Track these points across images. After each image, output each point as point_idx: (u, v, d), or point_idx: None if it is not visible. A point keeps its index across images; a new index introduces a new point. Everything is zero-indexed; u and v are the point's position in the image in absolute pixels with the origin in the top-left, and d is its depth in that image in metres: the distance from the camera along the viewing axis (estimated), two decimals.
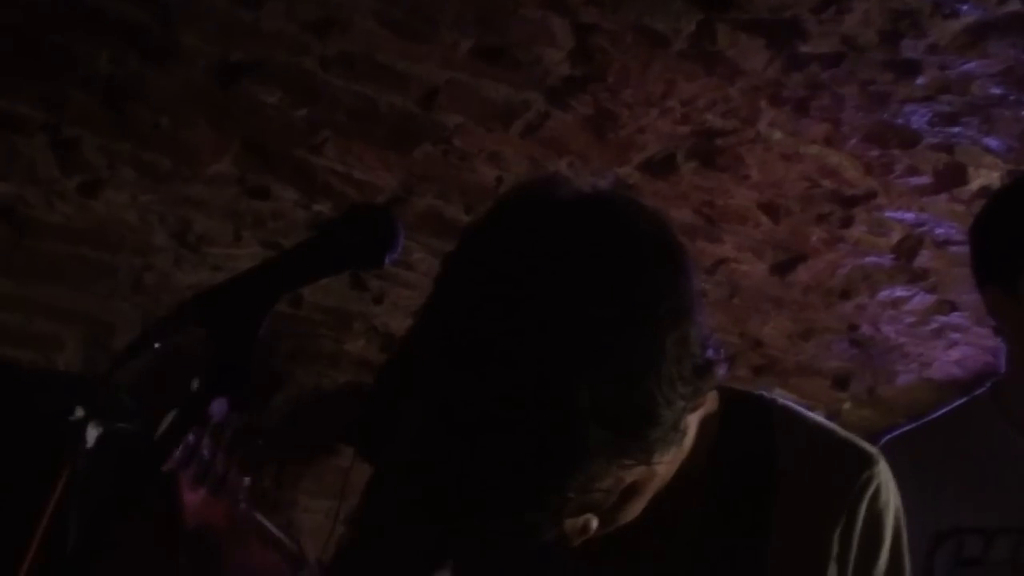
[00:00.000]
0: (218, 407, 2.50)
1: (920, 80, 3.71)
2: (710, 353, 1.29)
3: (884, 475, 1.53)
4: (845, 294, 4.98)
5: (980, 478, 2.14)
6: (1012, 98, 3.81)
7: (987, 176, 4.23)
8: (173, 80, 3.66)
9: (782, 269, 4.79)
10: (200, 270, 4.40)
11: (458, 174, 4.08)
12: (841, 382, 5.56)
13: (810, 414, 1.58)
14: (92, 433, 3.69)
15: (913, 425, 2.26)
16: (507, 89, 3.73)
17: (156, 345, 2.53)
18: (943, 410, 2.28)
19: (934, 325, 5.24)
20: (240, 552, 2.33)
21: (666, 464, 1.32)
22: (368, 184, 4.07)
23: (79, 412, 4.13)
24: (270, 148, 3.97)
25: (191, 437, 2.42)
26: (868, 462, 1.53)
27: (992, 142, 4.05)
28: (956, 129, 3.98)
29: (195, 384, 1.50)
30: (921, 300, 5.06)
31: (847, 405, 5.58)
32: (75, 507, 2.50)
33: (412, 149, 3.97)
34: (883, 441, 2.21)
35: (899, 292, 4.99)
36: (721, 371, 1.31)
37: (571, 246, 1.23)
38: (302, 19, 3.43)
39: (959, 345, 5.40)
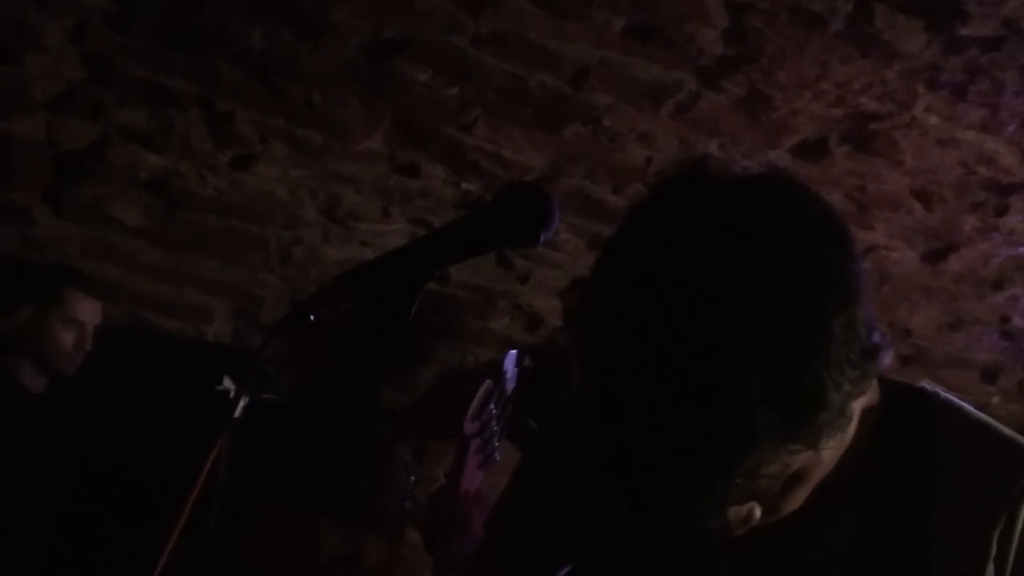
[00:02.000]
0: (514, 378, 2.52)
1: None
2: (876, 338, 1.26)
3: None
4: (998, 285, 4.88)
5: None
6: None
7: None
8: (326, 57, 3.69)
9: (934, 257, 4.70)
10: (348, 245, 4.44)
11: (607, 154, 4.07)
12: (990, 375, 5.44)
13: (974, 410, 1.54)
14: (240, 403, 3.75)
15: None
16: (659, 69, 3.70)
17: (310, 319, 2.57)
18: None
19: None
20: (478, 523, 2.37)
21: (831, 451, 1.30)
22: (516, 163, 4.08)
23: (227, 382, 4.21)
24: (420, 126, 3.99)
25: (491, 407, 2.45)
26: None
27: None
28: None
29: (343, 361, 1.50)
30: None
31: (996, 399, 5.46)
32: (221, 476, 2.53)
33: (561, 129, 3.96)
34: None
35: None
36: (887, 356, 1.28)
37: (739, 228, 1.21)
38: None
39: None
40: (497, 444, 2.47)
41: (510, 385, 2.48)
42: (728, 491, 1.21)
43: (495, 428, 2.45)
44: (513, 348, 4.97)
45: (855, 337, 1.21)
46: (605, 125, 3.94)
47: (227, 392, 4.10)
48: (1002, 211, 4.42)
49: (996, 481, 1.46)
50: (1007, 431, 1.52)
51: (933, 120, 3.94)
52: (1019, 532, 1.45)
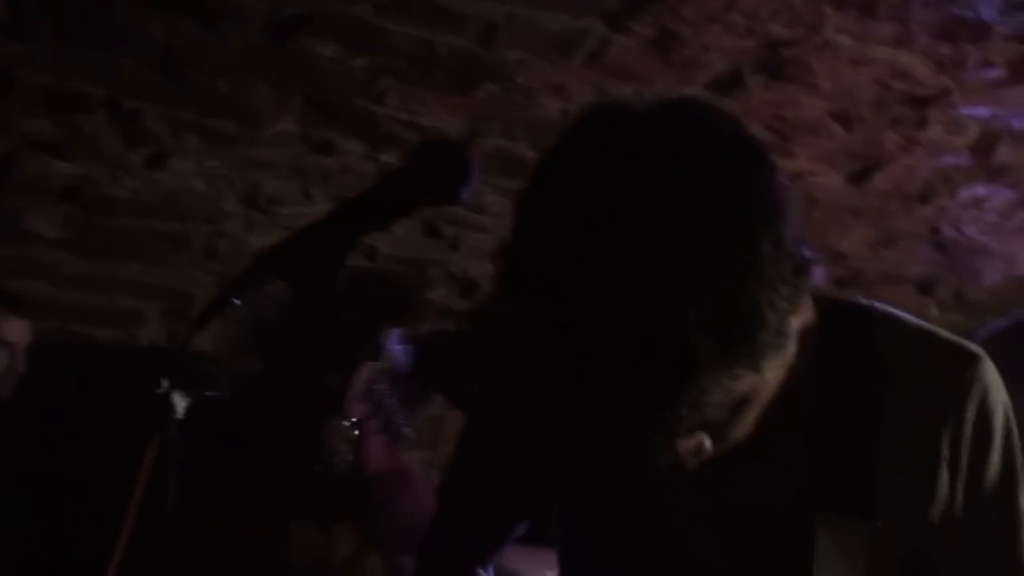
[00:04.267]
0: (401, 354, 2.50)
1: None
2: (806, 253, 1.24)
3: (990, 373, 1.48)
4: (924, 198, 4.91)
5: None
6: None
7: None
8: (228, 42, 3.64)
9: (859, 178, 4.72)
10: (273, 232, 4.40)
11: (523, 111, 4.05)
12: (926, 287, 5.48)
13: (910, 317, 1.54)
14: (180, 404, 3.71)
15: (1013, 317, 2.20)
16: (565, 18, 3.68)
17: (235, 304, 2.53)
18: None
19: (1017, 221, 5.15)
20: (407, 500, 2.34)
21: (774, 372, 1.28)
22: (433, 129, 4.04)
23: (164, 384, 4.16)
24: (331, 102, 3.95)
25: (379, 386, 2.42)
26: (972, 361, 1.48)
27: None
28: None
29: (276, 344, 1.47)
30: (1002, 197, 4.96)
31: (934, 311, 5.50)
32: (172, 474, 2.50)
33: (474, 89, 3.93)
34: (984, 334, 2.16)
35: (979, 191, 4.91)
36: (818, 270, 1.27)
37: (655, 156, 1.19)
38: None
39: None
40: (404, 419, 2.45)
41: (400, 360, 2.47)
42: (675, 424, 1.19)
43: (393, 404, 2.43)
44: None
45: (785, 254, 1.20)
46: (518, 81, 3.91)
47: (166, 394, 4.05)
48: (921, 124, 4.44)
49: (940, 384, 1.46)
50: (945, 334, 1.52)
51: (844, 40, 3.94)
52: (968, 431, 1.45)
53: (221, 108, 3.90)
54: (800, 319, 1.35)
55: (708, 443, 1.28)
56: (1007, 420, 1.50)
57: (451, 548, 1.74)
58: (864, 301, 1.55)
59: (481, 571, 1.73)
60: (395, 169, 1.48)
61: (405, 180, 1.47)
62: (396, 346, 2.47)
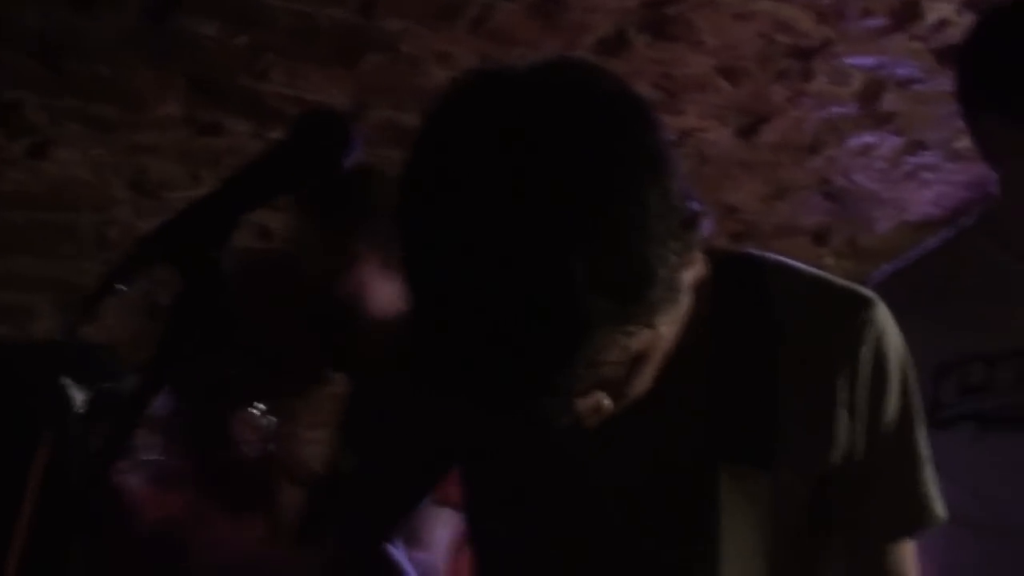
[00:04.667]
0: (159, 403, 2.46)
1: None
2: (693, 206, 1.24)
3: (883, 316, 1.50)
4: (814, 148, 4.95)
5: (979, 305, 2.11)
6: None
7: (941, 9, 4.18)
8: (106, 26, 3.57)
9: (747, 132, 4.75)
10: (163, 217, 4.30)
11: (410, 80, 4.01)
12: (820, 237, 5.54)
13: (802, 265, 1.55)
14: (78, 397, 3.65)
15: (907, 258, 2.22)
16: None
17: (120, 289, 2.48)
18: (933, 242, 2.25)
19: (906, 167, 5.22)
20: (206, 535, 2.30)
21: (668, 327, 1.28)
22: (319, 104, 3.99)
23: (61, 379, 4.09)
24: (215, 82, 3.89)
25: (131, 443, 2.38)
26: (866, 304, 1.50)
27: None
28: None
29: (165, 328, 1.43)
30: (890, 144, 5.02)
31: (829, 260, 5.56)
32: (72, 468, 2.46)
33: (359, 61, 3.89)
34: (879, 277, 2.17)
35: (867, 139, 4.96)
36: (707, 223, 1.27)
37: (538, 116, 1.18)
38: None
39: (932, 185, 5.38)
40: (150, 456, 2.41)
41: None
42: (572, 384, 1.19)
43: (147, 452, 2.39)
44: None
45: (672, 208, 1.20)
46: (403, 51, 3.88)
47: (61, 389, 3.98)
48: (807, 76, 4.47)
49: (835, 329, 1.47)
50: (837, 280, 1.53)
51: None
52: (864, 374, 1.46)
53: (103, 94, 3.83)
54: (692, 273, 1.36)
55: (607, 401, 1.28)
56: (902, 360, 1.52)
57: (357, 524, 1.73)
58: (756, 252, 1.56)
59: (390, 545, 1.72)
60: (275, 143, 1.45)
61: (286, 153, 1.44)
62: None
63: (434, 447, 1.58)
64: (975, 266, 2.15)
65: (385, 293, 2.36)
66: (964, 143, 4.74)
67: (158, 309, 2.65)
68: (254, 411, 2.43)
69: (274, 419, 2.42)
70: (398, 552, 1.68)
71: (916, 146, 5.06)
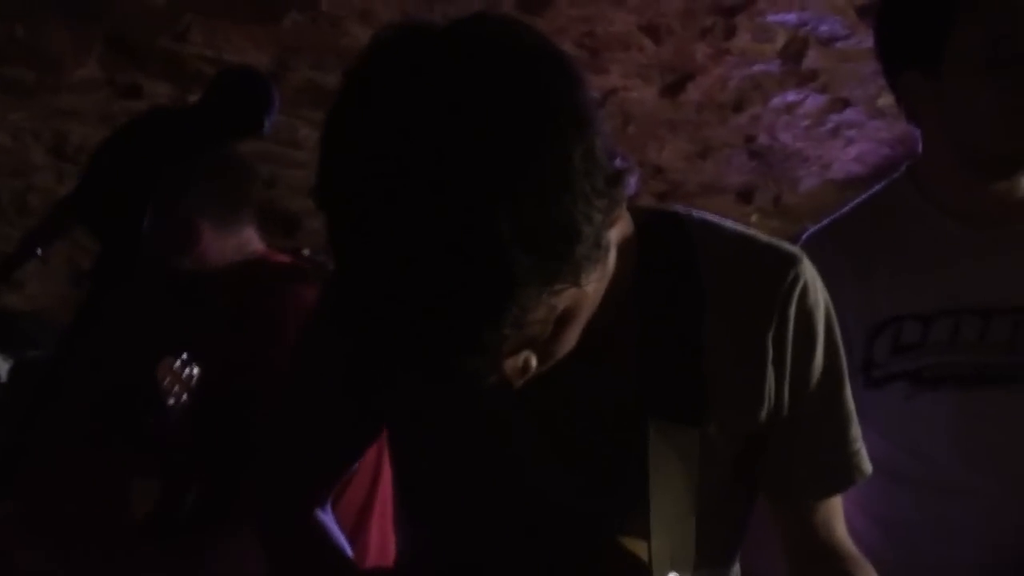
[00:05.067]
0: None
1: None
2: (618, 163, 1.23)
3: (809, 273, 1.50)
4: (738, 106, 4.97)
5: (911, 263, 2.11)
6: None
7: None
8: None
9: (672, 91, 4.75)
10: None
11: (330, 39, 3.98)
12: (746, 196, 5.57)
13: (727, 223, 1.54)
14: (2, 366, 3.61)
15: (834, 216, 2.22)
16: None
17: (38, 252, 2.46)
18: (860, 198, 2.25)
19: (830, 125, 5.25)
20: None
21: (594, 285, 1.27)
22: (239, 65, 3.95)
23: None
24: (134, 43, 3.84)
25: None
26: (792, 262, 1.49)
27: None
28: None
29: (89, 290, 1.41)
30: (814, 101, 5.05)
31: (754, 218, 5.61)
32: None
33: (279, 20, 3.85)
34: (807, 235, 2.18)
35: (791, 97, 4.98)
36: (632, 180, 1.26)
37: (456, 72, 1.16)
38: None
39: (856, 142, 5.42)
40: None
41: None
42: (499, 343, 1.18)
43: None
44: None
45: (597, 165, 1.19)
46: (323, 10, 3.85)
47: None
48: (730, 33, 4.48)
49: (761, 286, 1.46)
50: (762, 237, 1.52)
51: None
52: (791, 331, 1.46)
53: (19, 57, 3.78)
54: (618, 231, 1.35)
55: (534, 360, 1.27)
56: (828, 317, 1.52)
57: (285, 491, 1.71)
58: (681, 209, 1.55)
59: (319, 511, 1.70)
60: (194, 104, 1.43)
61: (204, 113, 1.42)
62: None
63: (362, 410, 1.56)
64: (905, 223, 2.15)
65: (225, 248, 2.39)
66: (887, 100, 4.79)
67: (81, 274, 2.61)
68: (176, 361, 2.41)
69: (197, 368, 2.40)
70: (327, 517, 1.66)
71: (839, 103, 5.09)
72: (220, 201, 2.31)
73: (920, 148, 2.16)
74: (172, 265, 2.24)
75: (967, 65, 2.03)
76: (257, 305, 2.40)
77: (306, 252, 4.74)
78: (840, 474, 1.57)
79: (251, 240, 2.52)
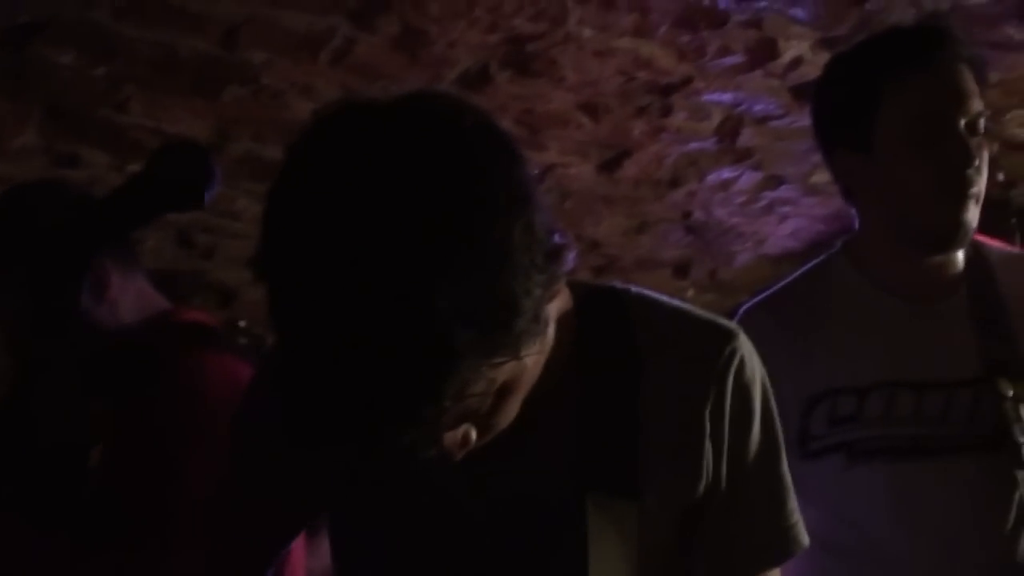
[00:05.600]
0: None
1: None
2: (557, 238, 1.25)
3: (746, 347, 1.52)
4: (674, 183, 5.02)
5: (847, 336, 2.15)
6: None
7: (798, 47, 4.26)
8: None
9: (609, 167, 4.80)
10: None
11: (271, 113, 3.99)
12: (682, 270, 5.62)
13: (664, 298, 1.56)
14: None
15: (772, 290, 2.26)
16: (309, 17, 3.63)
17: None
18: (797, 273, 2.29)
19: (764, 202, 5.31)
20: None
21: (533, 358, 1.29)
22: (179, 136, 3.95)
23: None
24: (73, 112, 3.83)
25: None
26: (728, 337, 1.52)
27: (798, 12, 4.07)
28: (762, 3, 3.98)
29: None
30: (749, 178, 5.11)
31: (690, 292, 5.64)
32: None
33: (220, 93, 3.86)
34: (744, 309, 2.21)
35: (726, 174, 5.04)
36: (570, 255, 1.27)
37: (398, 149, 1.18)
38: None
39: (790, 218, 5.49)
40: None
41: None
42: (438, 416, 1.18)
43: None
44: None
45: (535, 240, 1.20)
46: (264, 83, 3.85)
47: None
48: (667, 111, 4.53)
49: (697, 361, 1.48)
50: (699, 312, 1.55)
51: (587, 32, 3.98)
52: (728, 406, 1.48)
53: None
54: (557, 305, 1.36)
55: (474, 433, 1.28)
56: (764, 392, 1.54)
57: (225, 568, 1.69)
58: (619, 285, 1.57)
59: None
60: (134, 176, 1.43)
61: (145, 186, 1.42)
62: None
63: (301, 489, 1.56)
64: (840, 297, 2.19)
65: (129, 294, 2.34)
66: (820, 178, 4.87)
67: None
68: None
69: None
70: None
71: (774, 181, 5.16)
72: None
73: (855, 224, 2.21)
74: (91, 319, 2.18)
75: (894, 143, 2.08)
76: (171, 370, 2.29)
77: (242, 323, 4.73)
78: (778, 547, 1.58)
79: (147, 289, 2.44)
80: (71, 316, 1.31)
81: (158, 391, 2.26)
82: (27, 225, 2.28)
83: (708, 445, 1.48)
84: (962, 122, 2.07)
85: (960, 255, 2.18)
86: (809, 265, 2.29)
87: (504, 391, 1.27)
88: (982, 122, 2.10)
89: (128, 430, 2.26)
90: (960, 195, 2.07)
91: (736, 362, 1.50)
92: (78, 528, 2.29)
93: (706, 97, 4.49)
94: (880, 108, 2.10)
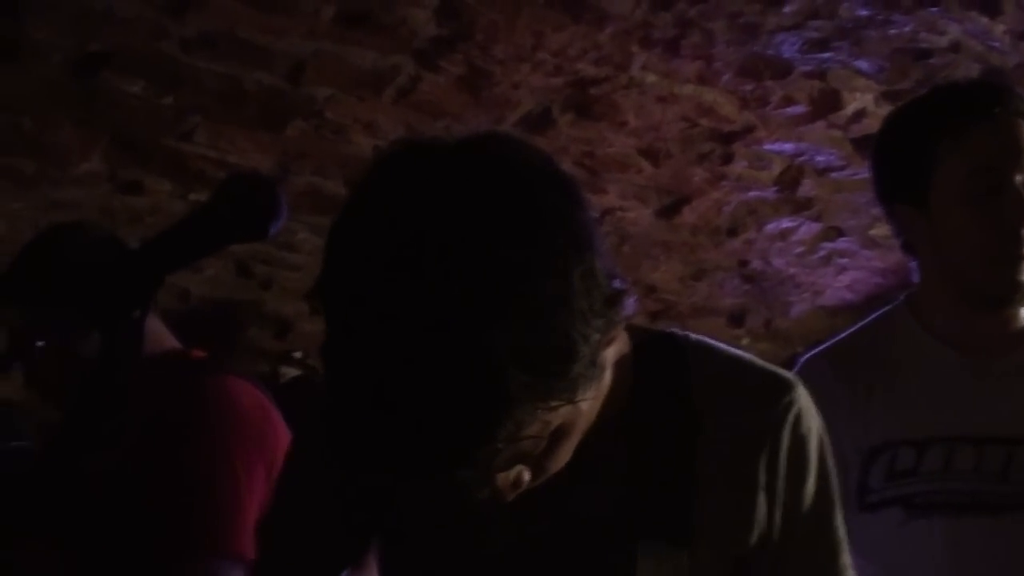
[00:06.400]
0: None
1: (788, 8, 3.71)
2: (616, 284, 1.25)
3: (804, 399, 1.51)
4: (732, 231, 5.00)
5: (907, 390, 2.14)
6: (880, 18, 3.82)
7: (861, 99, 4.26)
8: (30, 79, 3.54)
9: (668, 212, 4.79)
10: None
11: (333, 147, 4.01)
12: (737, 319, 5.59)
13: (723, 346, 1.56)
14: None
15: (832, 341, 2.25)
16: (375, 55, 3.66)
17: (39, 344, 2.46)
18: (858, 325, 2.28)
19: (822, 253, 5.29)
20: None
21: (589, 402, 1.28)
22: (243, 167, 3.98)
23: None
24: (139, 140, 3.87)
25: None
26: (787, 388, 1.50)
27: (863, 64, 4.07)
28: (827, 54, 3.99)
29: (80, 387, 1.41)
30: (807, 229, 5.09)
31: (745, 341, 5.62)
32: None
33: (284, 126, 3.89)
34: (804, 359, 2.20)
35: (785, 223, 5.03)
36: (629, 301, 1.27)
37: (460, 190, 1.18)
38: (157, 1, 3.32)
39: (848, 270, 5.46)
40: None
41: None
42: (492, 458, 1.18)
43: None
44: (264, 358, 4.89)
45: (595, 285, 1.20)
46: (328, 118, 3.88)
47: None
48: (727, 159, 4.53)
49: (755, 410, 1.47)
50: (758, 361, 1.54)
51: (651, 78, 4.00)
52: (784, 457, 1.47)
53: (23, 146, 3.79)
54: (615, 349, 1.36)
55: (527, 475, 1.27)
56: (821, 444, 1.52)
57: None
58: (678, 331, 1.57)
59: None
60: (201, 205, 1.44)
61: (211, 216, 1.43)
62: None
63: (353, 521, 1.56)
64: (901, 350, 2.18)
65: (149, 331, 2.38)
66: (880, 231, 4.84)
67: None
68: None
69: None
70: None
71: (833, 232, 5.14)
72: None
73: (915, 278, 2.20)
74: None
75: (950, 197, 2.08)
76: (201, 390, 2.41)
77: (297, 355, 4.75)
78: None
79: (161, 327, 2.50)
80: (135, 347, 1.32)
81: (192, 410, 2.37)
82: (81, 262, 2.34)
83: (762, 496, 1.47)
84: (1019, 178, 2.06)
85: (1022, 311, 2.16)
86: (870, 317, 2.28)
87: (558, 434, 1.27)
88: None
89: (165, 449, 2.34)
90: (1016, 254, 2.06)
91: (793, 413, 1.48)
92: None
93: (767, 146, 4.49)
94: (938, 163, 2.09)
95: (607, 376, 1.34)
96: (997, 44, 3.96)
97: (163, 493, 2.30)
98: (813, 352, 2.23)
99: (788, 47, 3.92)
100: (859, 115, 4.33)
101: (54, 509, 2.07)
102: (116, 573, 2.32)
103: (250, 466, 2.34)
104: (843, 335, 2.26)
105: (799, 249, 5.21)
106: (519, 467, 1.26)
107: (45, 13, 3.31)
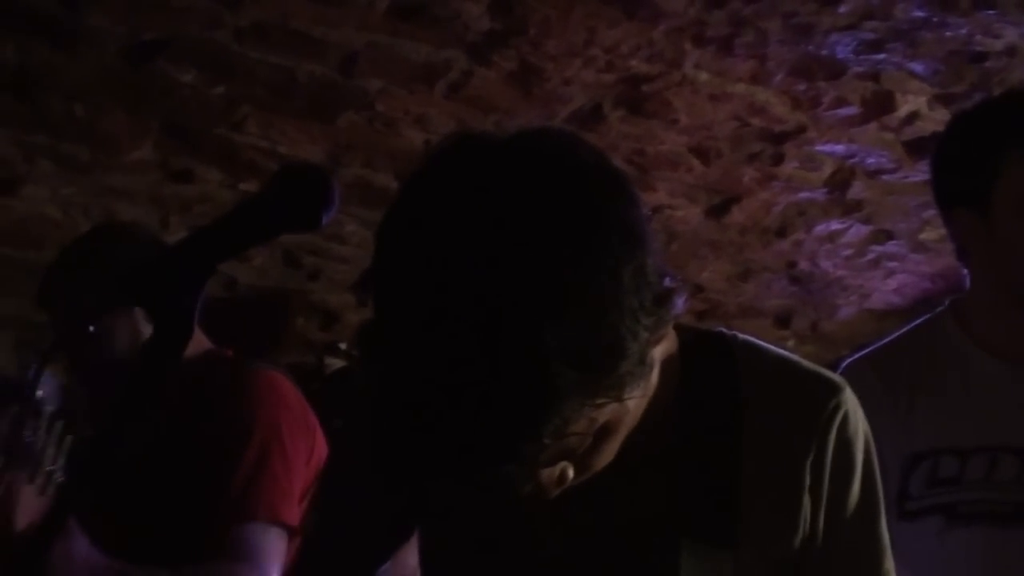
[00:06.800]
0: (47, 397, 2.49)
1: (843, 8, 3.68)
2: (667, 282, 1.24)
3: (851, 402, 1.50)
4: (781, 232, 4.98)
5: (950, 397, 2.13)
6: (935, 20, 3.79)
7: (915, 102, 4.22)
8: (84, 66, 3.57)
9: (717, 212, 4.78)
10: None
11: (384, 140, 4.03)
12: (783, 320, 5.57)
13: (771, 347, 1.55)
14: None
15: (877, 345, 2.24)
16: (427, 49, 3.67)
17: (89, 331, 2.49)
18: (904, 329, 2.26)
19: (871, 256, 5.25)
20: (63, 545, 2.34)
21: (636, 400, 1.28)
22: (293, 157, 4.00)
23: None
24: (190, 129, 3.89)
25: (25, 433, 2.43)
26: (834, 390, 1.50)
27: (917, 67, 4.03)
28: (881, 56, 3.95)
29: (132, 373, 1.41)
30: (857, 232, 5.06)
31: (791, 342, 5.59)
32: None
33: (335, 118, 3.90)
34: (848, 363, 2.19)
35: (835, 225, 5.00)
36: (680, 300, 1.27)
37: (512, 185, 1.18)
38: None
39: (897, 274, 5.42)
40: (55, 465, 2.45)
41: (47, 406, 2.47)
42: (537, 453, 1.18)
43: (40, 450, 2.43)
44: (311, 348, 4.91)
45: (646, 283, 1.20)
46: (379, 110, 3.89)
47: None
48: (778, 160, 4.50)
49: (801, 412, 1.47)
50: (805, 363, 1.53)
51: (703, 76, 3.98)
52: (830, 460, 1.46)
53: (76, 133, 3.83)
54: (663, 348, 1.36)
55: (571, 471, 1.27)
56: (867, 448, 1.52)
57: None
58: (726, 331, 1.56)
59: None
60: (254, 194, 1.45)
61: (264, 206, 1.43)
62: (47, 385, 2.46)
63: (395, 511, 1.56)
64: (946, 357, 2.17)
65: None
66: (929, 235, 4.80)
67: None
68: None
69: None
70: None
71: (882, 235, 5.10)
72: None
73: (965, 284, 2.18)
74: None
75: (1011, 207, 2.06)
76: (248, 380, 2.60)
77: (343, 346, 4.77)
78: None
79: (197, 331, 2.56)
80: (186, 334, 1.33)
81: (246, 395, 2.57)
82: (135, 248, 2.38)
83: (807, 498, 1.46)
84: None
85: None
86: (916, 322, 2.27)
87: (604, 431, 1.27)
88: None
89: (222, 427, 2.53)
90: None
91: (840, 416, 1.48)
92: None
93: (818, 147, 4.46)
94: (1003, 171, 2.08)
95: (655, 374, 1.34)
96: None
97: (221, 464, 2.47)
98: (856, 356, 2.22)
99: (842, 48, 3.89)
100: (912, 117, 4.29)
101: (108, 486, 2.09)
102: (167, 542, 2.40)
103: (296, 449, 2.53)
104: (887, 340, 2.25)
105: (847, 251, 5.18)
106: (563, 463, 1.26)
107: (101, 1, 3.34)
